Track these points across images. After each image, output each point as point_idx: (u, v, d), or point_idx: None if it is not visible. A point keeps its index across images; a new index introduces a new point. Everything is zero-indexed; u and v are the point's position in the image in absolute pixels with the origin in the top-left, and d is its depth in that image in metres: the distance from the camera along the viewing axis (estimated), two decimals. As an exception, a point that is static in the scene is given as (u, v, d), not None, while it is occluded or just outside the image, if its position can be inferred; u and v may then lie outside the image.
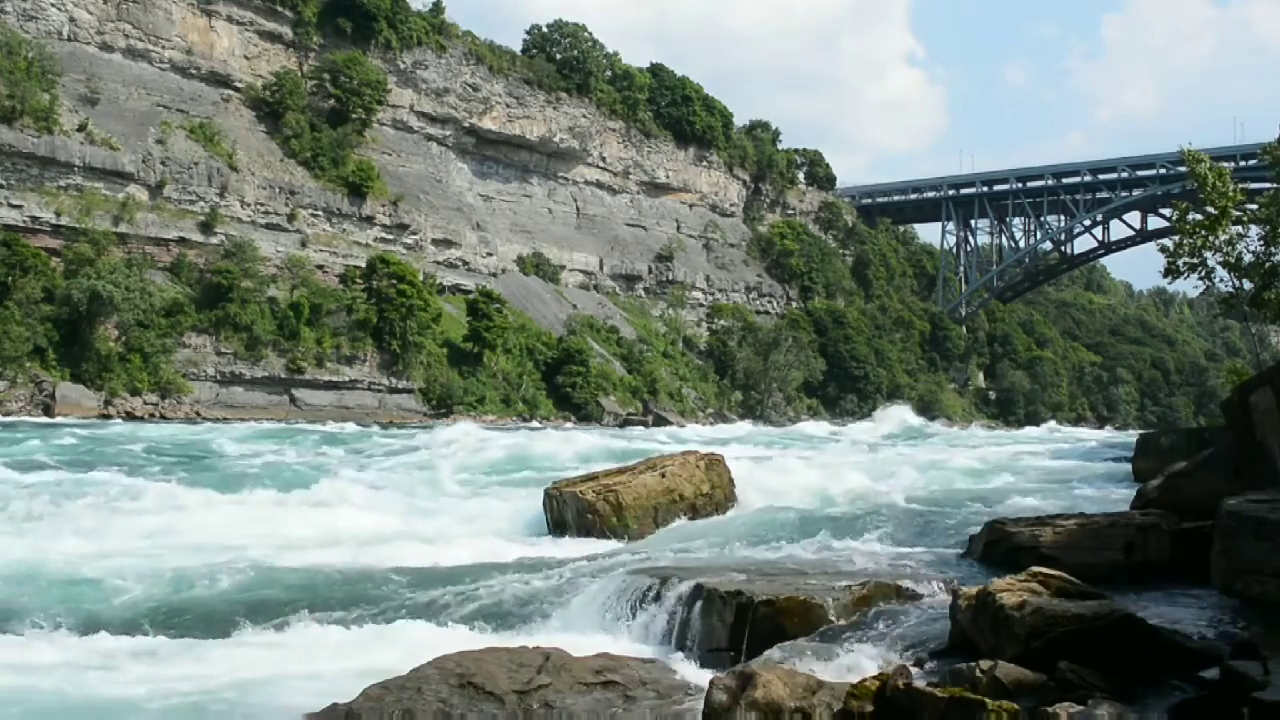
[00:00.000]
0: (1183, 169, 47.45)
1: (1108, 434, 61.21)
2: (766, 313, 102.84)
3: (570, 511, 15.27)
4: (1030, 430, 71.17)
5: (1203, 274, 26.64)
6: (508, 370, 73.65)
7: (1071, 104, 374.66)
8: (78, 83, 60.23)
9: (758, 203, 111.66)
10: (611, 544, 14.21)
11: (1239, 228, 26.40)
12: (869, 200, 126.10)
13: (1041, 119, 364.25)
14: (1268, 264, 25.45)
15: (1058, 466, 27.58)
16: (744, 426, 67.00)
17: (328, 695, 7.46)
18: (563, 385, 74.73)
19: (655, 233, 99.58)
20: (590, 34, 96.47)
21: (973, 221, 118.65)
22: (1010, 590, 7.73)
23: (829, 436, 49.37)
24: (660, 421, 73.38)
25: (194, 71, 68.66)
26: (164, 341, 56.56)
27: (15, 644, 9.71)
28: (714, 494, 16.78)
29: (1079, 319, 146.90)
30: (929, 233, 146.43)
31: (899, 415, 63.74)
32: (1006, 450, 36.13)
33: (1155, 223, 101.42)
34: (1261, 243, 25.72)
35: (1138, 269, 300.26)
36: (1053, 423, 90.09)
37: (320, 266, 68.18)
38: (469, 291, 76.84)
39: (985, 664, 6.58)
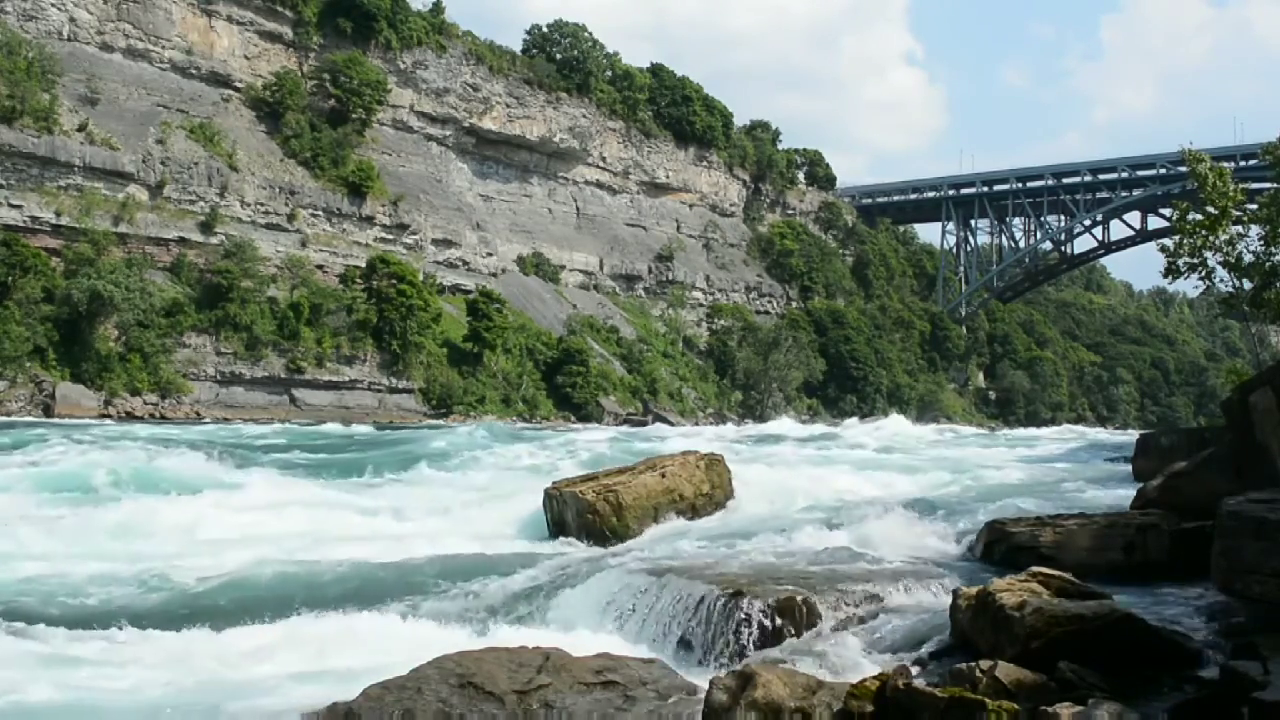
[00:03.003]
0: (1183, 169, 47.56)
1: (1070, 435, 59.38)
2: (766, 313, 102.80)
3: (570, 511, 15.27)
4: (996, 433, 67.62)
5: (1203, 274, 26.66)
6: (508, 370, 73.62)
7: (1070, 104, 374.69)
8: (78, 83, 60.19)
9: (758, 203, 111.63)
10: (612, 544, 14.20)
11: (1239, 228, 26.42)
12: (869, 200, 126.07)
13: (1040, 119, 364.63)
14: (1268, 264, 25.47)
15: (1058, 467, 27.58)
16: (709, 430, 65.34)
17: (328, 695, 7.46)
18: (563, 385, 74.70)
19: (655, 233, 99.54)
20: (590, 34, 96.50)
21: (973, 221, 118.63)
22: (1010, 590, 7.74)
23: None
24: (661, 421, 73.34)
25: (194, 71, 68.63)
26: (164, 341, 56.52)
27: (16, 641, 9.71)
28: (714, 494, 16.78)
29: (1079, 319, 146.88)
30: (929, 233, 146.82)
31: (896, 425, 62.91)
32: (1005, 451, 36.12)
33: (1155, 223, 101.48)
34: (1261, 243, 25.75)
35: (1138, 269, 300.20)
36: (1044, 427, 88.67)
37: (320, 266, 68.13)
38: (469, 291, 76.79)
39: (985, 664, 6.59)
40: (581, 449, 28.05)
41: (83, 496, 17.84)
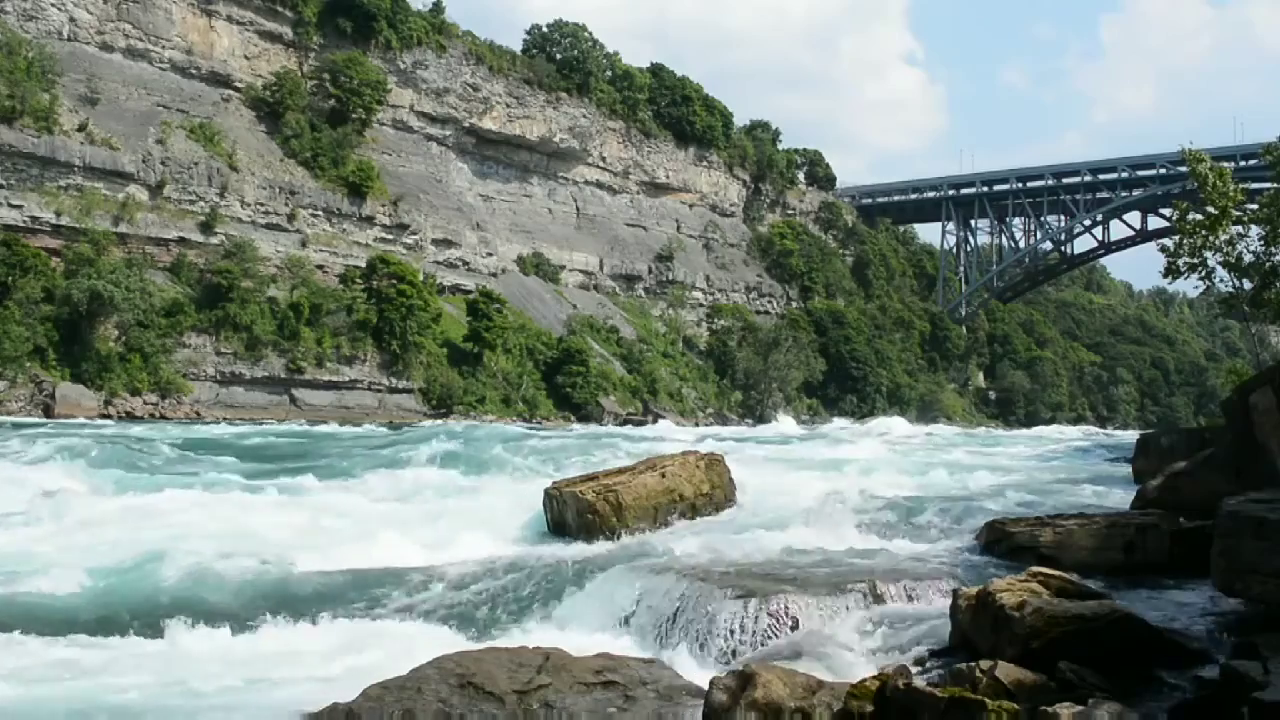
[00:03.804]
0: (1183, 169, 47.56)
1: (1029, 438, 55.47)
2: (766, 313, 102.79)
3: (570, 511, 15.27)
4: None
5: (1203, 274, 26.68)
6: (508, 370, 73.62)
7: (1070, 104, 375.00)
8: (78, 83, 60.16)
9: (758, 203, 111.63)
10: (612, 544, 14.21)
11: (1239, 228, 26.43)
12: (869, 200, 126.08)
13: (1040, 119, 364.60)
14: (1268, 264, 25.49)
15: (1057, 466, 27.59)
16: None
17: (328, 695, 7.46)
18: (563, 385, 74.70)
19: (655, 233, 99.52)
20: (590, 34, 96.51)
21: (973, 221, 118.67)
22: (1010, 590, 7.74)
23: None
24: (662, 419, 73.26)
25: (194, 71, 68.62)
26: (164, 341, 56.49)
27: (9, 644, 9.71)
28: (714, 494, 16.77)
29: (1079, 319, 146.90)
30: (929, 233, 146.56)
31: (892, 425, 62.60)
32: (1007, 450, 36.13)
33: (1155, 223, 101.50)
34: (1261, 243, 25.77)
35: (1138, 269, 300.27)
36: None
37: (320, 266, 68.12)
38: (469, 291, 76.80)
39: (985, 664, 6.58)
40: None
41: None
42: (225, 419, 53.06)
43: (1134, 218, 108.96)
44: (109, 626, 10.36)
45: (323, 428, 47.24)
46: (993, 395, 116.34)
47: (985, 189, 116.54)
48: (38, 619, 10.45)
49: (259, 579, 12.32)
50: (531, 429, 52.97)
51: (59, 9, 62.01)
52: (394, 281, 67.04)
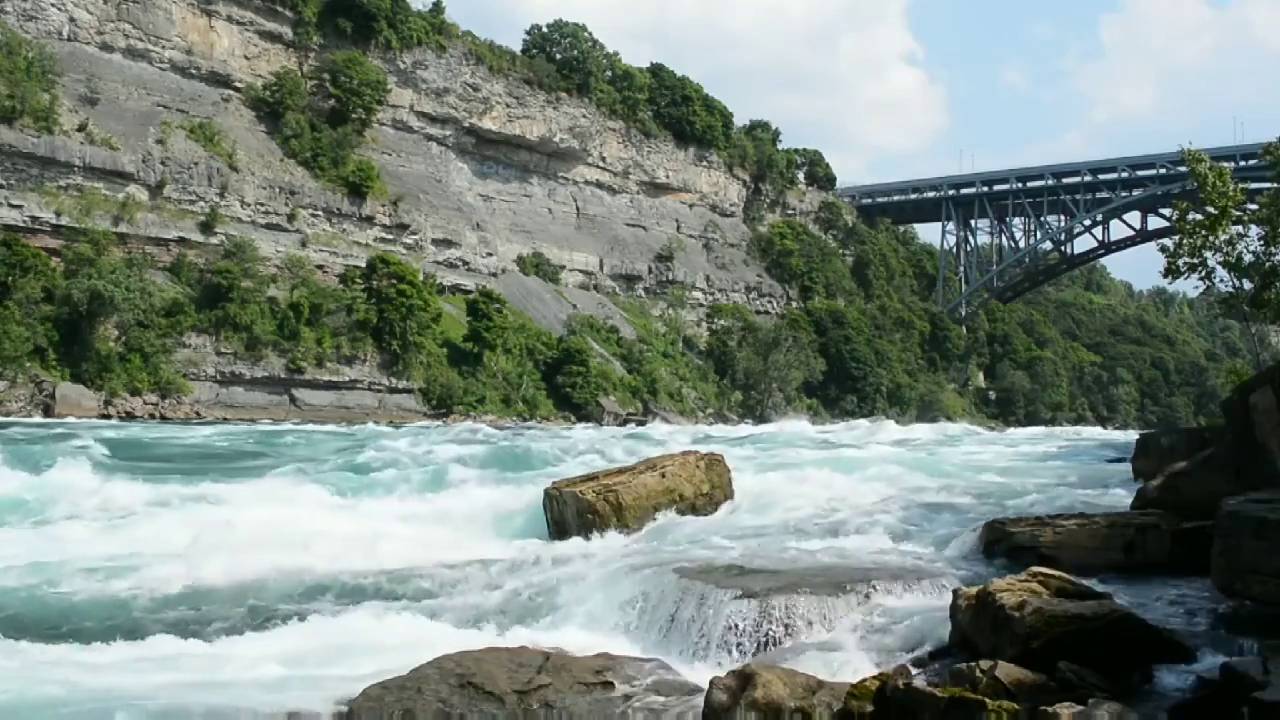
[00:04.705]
0: (1183, 169, 47.58)
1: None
2: (766, 313, 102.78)
3: (570, 511, 15.27)
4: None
5: (1203, 274, 26.62)
6: (508, 370, 73.62)
7: (1070, 104, 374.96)
8: (78, 83, 60.18)
9: (758, 203, 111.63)
10: (612, 544, 14.21)
11: (1239, 227, 26.39)
12: (869, 200, 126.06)
13: (1040, 119, 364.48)
14: (1268, 264, 25.45)
15: (1057, 466, 27.56)
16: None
17: (328, 695, 7.46)
18: (563, 385, 74.72)
19: (655, 233, 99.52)
20: (590, 34, 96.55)
21: (973, 221, 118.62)
22: (1010, 590, 7.73)
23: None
24: (663, 420, 73.27)
25: (194, 71, 68.62)
26: (164, 341, 56.51)
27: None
28: (714, 494, 16.78)
29: (1079, 319, 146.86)
30: (929, 233, 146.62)
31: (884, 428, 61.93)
32: (1003, 451, 36.10)
33: (1155, 223, 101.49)
34: (1261, 243, 25.73)
35: (1138, 269, 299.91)
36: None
37: (320, 266, 68.13)
38: (469, 291, 76.82)
39: (985, 664, 6.58)
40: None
41: None
42: (225, 419, 53.06)
43: (1134, 218, 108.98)
44: None
45: (315, 427, 47.21)
46: (993, 395, 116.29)
47: (985, 189, 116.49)
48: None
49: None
50: (533, 430, 52.99)
51: (59, 9, 62.01)
52: (394, 281, 67.06)
